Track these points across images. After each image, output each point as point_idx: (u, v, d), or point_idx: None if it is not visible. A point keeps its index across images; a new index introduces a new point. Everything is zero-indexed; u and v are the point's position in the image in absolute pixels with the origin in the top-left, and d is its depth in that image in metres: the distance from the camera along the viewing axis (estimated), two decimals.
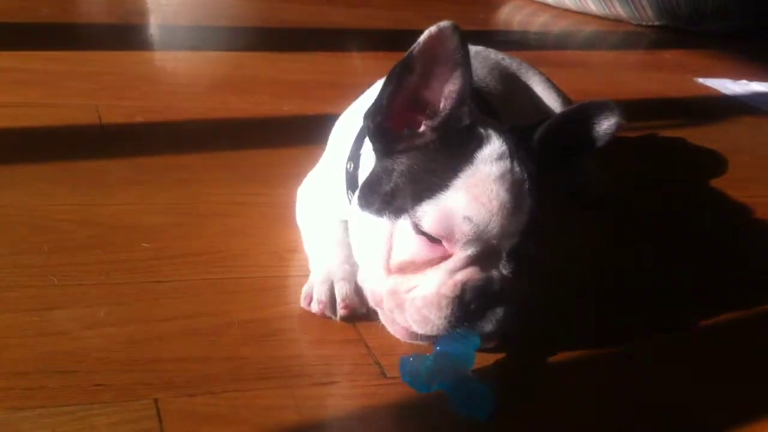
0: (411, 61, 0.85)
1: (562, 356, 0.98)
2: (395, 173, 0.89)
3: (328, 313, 0.95)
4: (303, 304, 0.96)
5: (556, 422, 0.88)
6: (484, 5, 3.28)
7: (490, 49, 1.42)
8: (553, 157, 0.91)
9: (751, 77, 2.49)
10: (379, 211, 0.88)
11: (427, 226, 0.84)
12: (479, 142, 0.86)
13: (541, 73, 1.42)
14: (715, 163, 1.76)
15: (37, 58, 1.78)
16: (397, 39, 2.50)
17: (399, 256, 0.87)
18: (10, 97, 1.53)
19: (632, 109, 2.09)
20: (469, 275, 0.84)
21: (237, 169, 1.36)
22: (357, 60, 2.20)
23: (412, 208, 0.85)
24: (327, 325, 0.95)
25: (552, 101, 1.39)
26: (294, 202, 1.17)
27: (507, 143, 0.87)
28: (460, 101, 0.86)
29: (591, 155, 0.93)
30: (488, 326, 0.85)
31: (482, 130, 0.88)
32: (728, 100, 2.30)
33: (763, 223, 1.48)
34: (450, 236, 0.84)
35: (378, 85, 1.04)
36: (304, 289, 0.98)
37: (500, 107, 1.19)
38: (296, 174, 1.22)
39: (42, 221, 1.10)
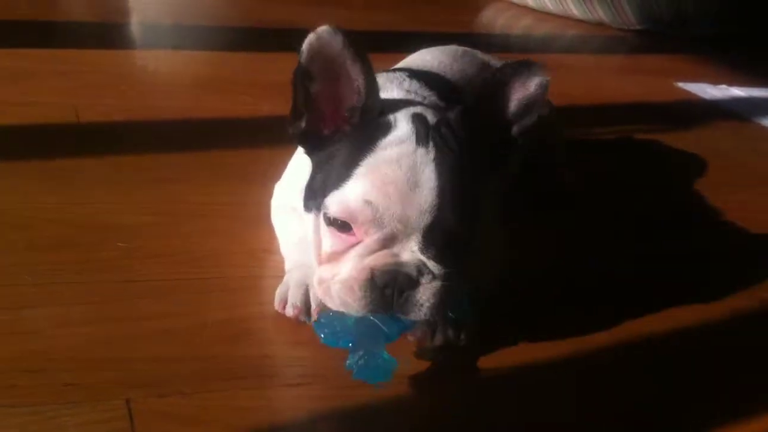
0: (304, 70, 0.87)
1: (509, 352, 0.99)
2: (321, 171, 0.91)
3: (302, 317, 0.95)
4: (277, 307, 0.97)
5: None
6: (466, 8, 3.27)
7: (477, 51, 1.42)
8: (483, 132, 0.91)
9: (731, 82, 2.50)
10: (310, 209, 0.92)
11: (332, 215, 0.87)
12: (385, 130, 0.88)
13: (478, 54, 1.41)
14: (692, 166, 1.77)
15: (14, 55, 1.76)
16: (377, 41, 2.51)
17: (324, 248, 0.90)
18: None
19: (612, 113, 2.13)
20: (377, 259, 0.86)
21: (214, 169, 1.35)
22: None
23: (323, 201, 0.87)
24: (300, 327, 0.95)
25: None
26: (269, 202, 1.18)
27: (416, 127, 0.88)
28: (366, 95, 0.88)
29: (527, 125, 0.91)
30: (411, 312, 0.86)
31: (391, 118, 0.89)
32: (708, 104, 2.32)
33: (736, 227, 1.49)
34: (355, 223, 0.86)
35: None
36: (279, 292, 0.98)
37: None
38: (272, 174, 1.21)
39: (17, 219, 1.10)
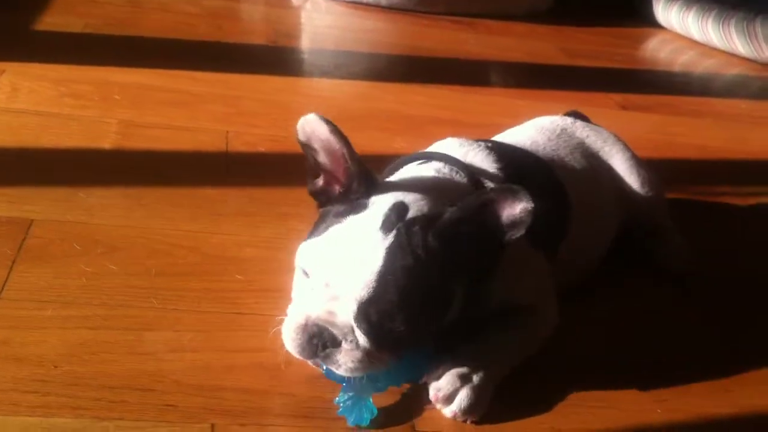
0: (304, 144, 1.03)
1: None
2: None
3: None
4: None
5: None
6: (629, 38, 3.27)
7: (579, 124, 1.46)
8: (468, 240, 0.99)
9: None
10: None
11: (299, 259, 1.02)
12: (359, 209, 1.00)
13: (626, 150, 1.45)
14: None
15: (184, 77, 1.97)
16: (530, 73, 2.59)
17: (293, 287, 1.06)
18: (154, 118, 1.73)
19: (750, 171, 2.10)
20: (316, 310, 0.97)
21: None
22: (481, 96, 2.29)
23: (300, 245, 1.02)
24: None
25: (633, 180, 1.43)
26: None
27: (388, 215, 0.98)
28: (349, 178, 1.02)
29: (507, 244, 1.00)
30: (335, 364, 0.97)
31: (372, 200, 1.01)
32: None
33: None
34: (310, 272, 0.99)
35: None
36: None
37: (576, 185, 1.28)
38: None
39: (157, 244, 1.27)
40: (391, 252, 0.96)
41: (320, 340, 0.97)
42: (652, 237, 1.49)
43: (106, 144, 1.57)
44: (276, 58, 2.32)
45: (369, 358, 0.97)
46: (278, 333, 1.08)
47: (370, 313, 0.95)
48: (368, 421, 0.98)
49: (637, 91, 2.58)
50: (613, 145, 1.45)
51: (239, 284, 1.22)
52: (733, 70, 3.05)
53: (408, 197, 1.02)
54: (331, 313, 0.97)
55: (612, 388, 1.14)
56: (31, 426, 0.90)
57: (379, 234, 0.97)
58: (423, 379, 1.05)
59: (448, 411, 1.02)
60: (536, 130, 1.42)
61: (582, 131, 1.45)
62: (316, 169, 1.06)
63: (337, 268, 0.96)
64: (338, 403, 0.99)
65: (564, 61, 2.79)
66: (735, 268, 1.58)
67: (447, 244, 0.98)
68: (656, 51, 3.25)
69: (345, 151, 1.00)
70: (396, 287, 0.95)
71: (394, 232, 0.97)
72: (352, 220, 1.00)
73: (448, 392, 1.02)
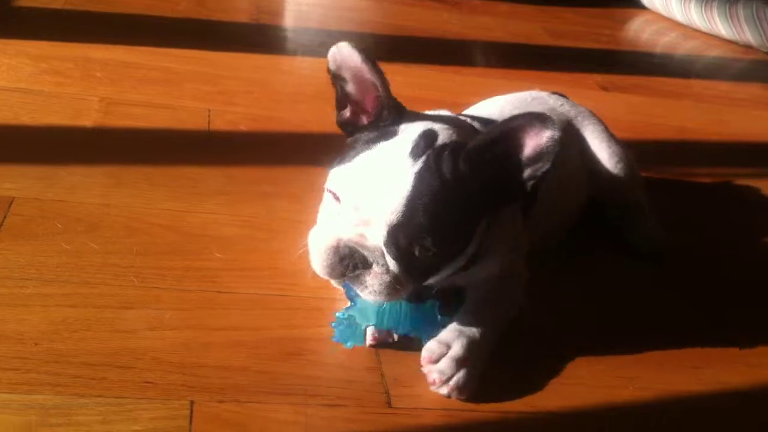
0: (334, 74, 1.06)
1: None
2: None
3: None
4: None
5: None
6: (612, 19, 3.27)
7: (553, 96, 1.48)
8: (493, 168, 1.01)
9: None
10: None
11: (329, 183, 1.05)
12: (389, 137, 1.03)
13: (598, 123, 1.47)
14: None
15: (166, 55, 1.96)
16: (513, 53, 2.59)
17: (320, 209, 1.10)
18: (135, 95, 1.72)
19: (727, 152, 2.12)
20: (347, 233, 1.01)
21: (314, 187, 1.48)
22: (463, 76, 2.29)
23: (332, 169, 1.05)
24: (349, 351, 1.09)
25: (603, 153, 1.44)
26: None
27: (418, 141, 1.01)
28: (380, 106, 1.05)
29: (541, 172, 1.00)
30: (362, 286, 1.02)
31: (402, 128, 1.04)
32: None
33: None
34: (341, 197, 1.02)
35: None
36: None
37: None
38: None
39: (137, 223, 1.28)
40: (421, 177, 0.99)
41: (351, 261, 1.01)
42: (626, 218, 1.50)
43: (87, 122, 1.57)
44: (259, 36, 2.32)
45: (395, 283, 1.01)
46: (257, 311, 1.10)
47: (399, 237, 0.99)
48: (351, 346, 1.06)
49: (618, 72, 2.60)
50: (586, 117, 1.47)
51: (219, 263, 1.23)
52: (714, 52, 3.07)
53: (436, 125, 1.05)
54: (362, 236, 1.01)
55: (584, 366, 1.16)
56: (11, 403, 0.91)
57: (409, 159, 1.00)
58: (425, 339, 1.08)
59: (445, 390, 1.05)
60: (507, 101, 1.44)
61: (555, 101, 1.46)
62: (344, 100, 1.09)
63: (368, 193, 0.99)
64: (337, 316, 1.07)
65: (547, 41, 2.80)
66: (712, 250, 1.60)
67: (474, 169, 1.01)
68: (639, 32, 3.26)
69: (377, 78, 1.03)
70: (425, 212, 0.98)
71: (424, 157, 1.00)
72: (382, 147, 1.02)
73: (448, 376, 1.05)
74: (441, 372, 1.04)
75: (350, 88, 1.07)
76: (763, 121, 2.39)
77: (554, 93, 1.56)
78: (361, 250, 1.00)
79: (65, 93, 1.66)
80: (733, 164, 2.04)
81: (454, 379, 1.04)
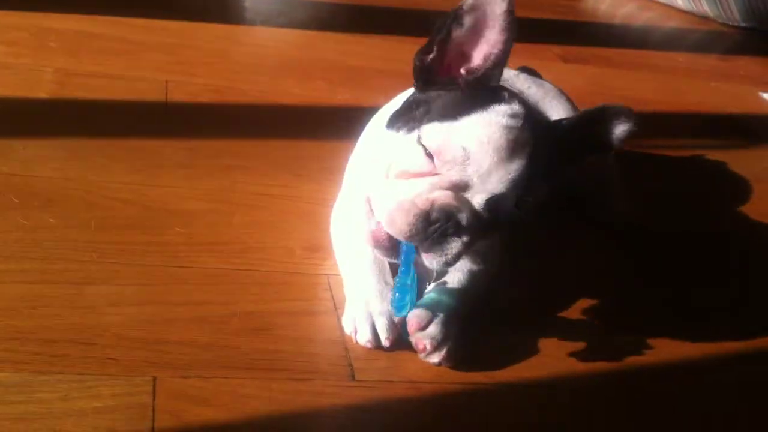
0: (460, 15, 0.95)
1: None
2: (422, 104, 1.01)
3: (376, 344, 1.07)
4: (349, 333, 1.08)
5: None
6: None
7: (522, 77, 1.47)
8: (568, 151, 1.03)
9: None
10: (398, 128, 1.02)
11: (427, 139, 0.96)
12: (500, 100, 0.98)
13: (566, 102, 1.47)
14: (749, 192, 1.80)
15: (122, 24, 1.92)
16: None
17: (398, 165, 0.99)
18: (91, 66, 1.69)
19: (687, 123, 2.15)
20: (443, 197, 0.94)
21: (277, 159, 1.48)
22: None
23: (423, 123, 0.98)
24: (315, 325, 1.09)
25: None
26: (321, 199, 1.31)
27: (526, 114, 0.98)
28: (495, 64, 0.98)
29: (597, 156, 1.05)
30: (440, 252, 0.96)
31: (506, 93, 1.00)
32: None
33: None
34: (442, 156, 0.94)
35: (400, 97, 1.15)
36: (347, 322, 1.09)
37: None
38: (331, 168, 1.36)
39: (94, 197, 1.26)
40: (526, 148, 0.95)
41: (443, 226, 0.94)
42: (593, 193, 1.51)
43: (42, 93, 1.54)
44: (217, 6, 2.28)
45: (468, 252, 0.99)
46: (222, 286, 1.09)
47: (492, 207, 0.96)
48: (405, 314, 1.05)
49: (577, 43, 2.61)
50: (554, 98, 1.47)
51: (181, 237, 1.22)
52: (671, 23, 3.09)
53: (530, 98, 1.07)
54: (460, 199, 0.95)
55: (542, 337, 1.17)
56: None
57: (527, 133, 0.96)
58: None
59: (436, 358, 1.05)
60: (537, 85, 1.45)
61: (523, 83, 1.46)
62: (441, 44, 0.99)
63: (483, 159, 0.94)
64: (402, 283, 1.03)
65: None
66: (670, 221, 1.62)
67: (563, 147, 1.00)
68: (597, 2, 3.27)
69: (507, 36, 0.95)
70: (523, 186, 0.95)
71: (529, 128, 0.97)
72: (497, 109, 0.96)
73: (439, 341, 1.04)
74: (432, 337, 1.04)
75: (461, 33, 0.97)
76: (721, 93, 2.41)
77: (523, 69, 1.56)
78: (456, 214, 0.94)
79: (19, 64, 1.63)
80: (692, 136, 2.06)
81: (446, 344, 1.04)
